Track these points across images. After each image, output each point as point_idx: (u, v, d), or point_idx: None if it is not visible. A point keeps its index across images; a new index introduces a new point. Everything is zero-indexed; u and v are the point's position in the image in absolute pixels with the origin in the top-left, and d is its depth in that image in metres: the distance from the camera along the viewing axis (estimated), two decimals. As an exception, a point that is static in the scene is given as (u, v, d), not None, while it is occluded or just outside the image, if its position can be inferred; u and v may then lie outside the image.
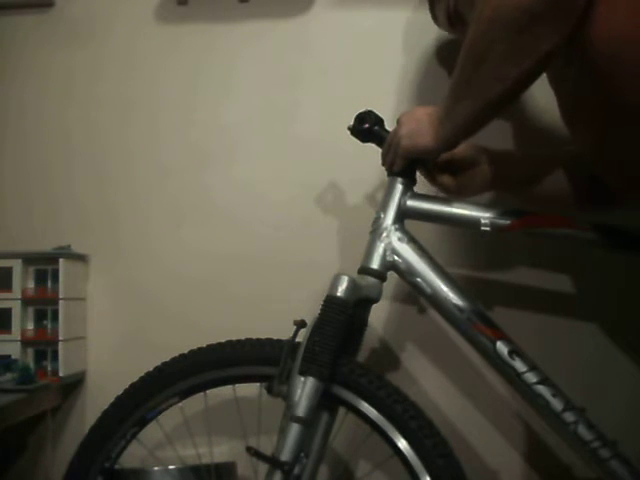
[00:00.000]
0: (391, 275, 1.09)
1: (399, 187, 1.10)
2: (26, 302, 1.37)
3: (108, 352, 1.45)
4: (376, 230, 1.09)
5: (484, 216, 1.07)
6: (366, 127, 1.12)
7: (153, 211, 1.47)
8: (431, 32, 1.44)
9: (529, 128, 1.37)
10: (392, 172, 1.11)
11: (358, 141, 1.15)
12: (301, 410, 0.96)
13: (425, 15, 1.42)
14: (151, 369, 1.12)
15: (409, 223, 1.10)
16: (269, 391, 1.02)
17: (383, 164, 1.12)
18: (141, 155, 1.48)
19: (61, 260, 1.36)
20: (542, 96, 1.19)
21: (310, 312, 1.03)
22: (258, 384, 1.10)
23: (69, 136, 1.50)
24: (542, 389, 1.03)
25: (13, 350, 1.34)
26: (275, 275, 1.42)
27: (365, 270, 1.07)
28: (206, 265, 1.44)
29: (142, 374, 1.12)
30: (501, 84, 0.88)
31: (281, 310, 1.21)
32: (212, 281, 1.44)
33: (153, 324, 1.44)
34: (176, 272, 1.45)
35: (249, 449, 0.97)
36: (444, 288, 1.06)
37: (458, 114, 0.95)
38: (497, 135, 1.36)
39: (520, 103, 1.36)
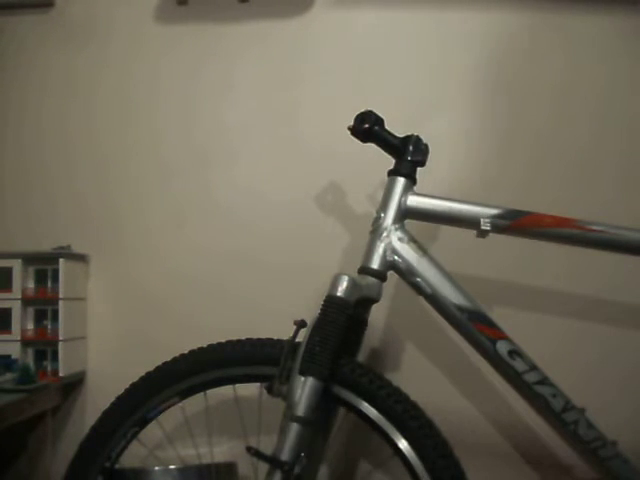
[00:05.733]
0: (391, 275, 1.09)
1: (399, 187, 1.10)
2: (26, 302, 1.37)
3: (108, 352, 1.45)
4: (376, 230, 1.09)
5: (484, 216, 1.07)
6: (366, 127, 1.12)
7: (153, 211, 1.47)
8: (431, 32, 1.44)
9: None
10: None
11: (358, 141, 1.15)
12: (301, 410, 0.96)
13: (425, 15, 1.43)
14: (151, 369, 1.12)
15: (409, 223, 1.10)
16: (269, 391, 1.02)
17: None
18: (141, 155, 1.48)
19: (61, 260, 1.36)
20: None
21: (310, 312, 1.03)
22: (258, 384, 1.10)
23: (69, 136, 1.50)
24: (542, 389, 1.03)
25: (13, 350, 1.34)
26: (275, 275, 1.42)
27: (365, 270, 1.07)
28: (206, 265, 1.44)
29: (142, 374, 1.12)
30: None
31: (281, 310, 1.21)
32: (212, 281, 1.44)
33: (153, 324, 1.44)
34: (176, 272, 1.45)
35: (249, 449, 0.97)
36: (444, 288, 1.06)
37: None
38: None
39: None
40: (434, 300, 1.07)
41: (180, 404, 1.13)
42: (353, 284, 1.01)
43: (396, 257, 1.07)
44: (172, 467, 1.28)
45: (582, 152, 1.39)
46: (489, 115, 1.41)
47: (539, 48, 1.41)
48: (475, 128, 1.41)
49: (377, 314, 1.21)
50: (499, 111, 1.41)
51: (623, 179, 1.37)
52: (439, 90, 1.43)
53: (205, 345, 1.12)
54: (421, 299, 1.09)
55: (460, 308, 1.05)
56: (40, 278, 1.39)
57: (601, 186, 1.37)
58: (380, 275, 1.07)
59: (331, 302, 1.00)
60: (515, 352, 1.04)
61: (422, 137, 1.13)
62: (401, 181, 1.11)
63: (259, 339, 1.11)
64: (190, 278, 1.44)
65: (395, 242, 1.07)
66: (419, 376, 1.36)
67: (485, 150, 1.41)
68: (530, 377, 1.03)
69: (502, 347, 1.04)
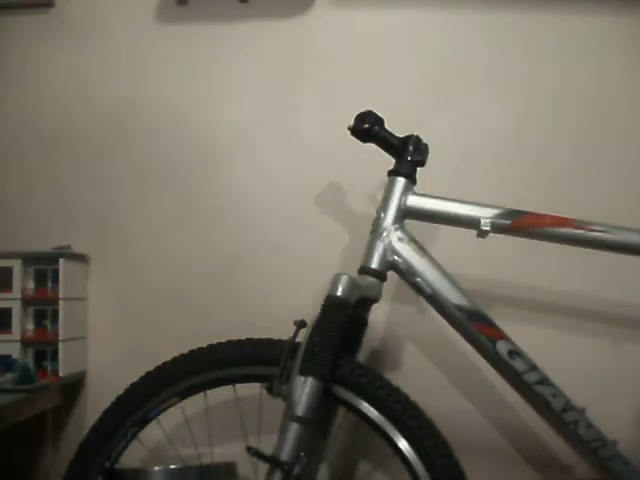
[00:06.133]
0: (391, 275, 1.09)
1: (399, 187, 1.10)
2: (26, 302, 1.37)
3: (108, 352, 1.45)
4: (376, 230, 1.09)
5: (484, 216, 1.07)
6: (366, 127, 1.12)
7: (153, 211, 1.47)
8: (431, 32, 1.44)
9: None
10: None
11: (358, 141, 1.15)
12: (301, 410, 0.96)
13: (425, 14, 1.43)
14: (151, 369, 1.12)
15: (409, 223, 1.11)
16: (269, 391, 1.02)
17: None
18: (141, 155, 1.48)
19: (61, 260, 1.36)
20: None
21: (310, 312, 1.03)
22: (258, 384, 1.10)
23: (69, 136, 1.50)
24: (542, 389, 1.03)
25: (13, 350, 1.34)
26: (275, 275, 1.42)
27: (365, 270, 1.07)
28: (206, 265, 1.44)
29: (142, 374, 1.12)
30: None
31: (281, 310, 1.21)
32: (212, 281, 1.43)
33: (153, 324, 1.44)
34: (176, 272, 1.45)
35: (249, 449, 0.97)
36: (444, 288, 1.06)
37: None
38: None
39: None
40: (434, 300, 1.07)
41: (180, 404, 1.13)
42: (353, 284, 1.01)
43: (396, 257, 1.07)
44: (172, 467, 1.28)
45: (578, 152, 1.39)
46: (488, 115, 1.41)
47: (536, 48, 1.41)
48: (475, 128, 1.41)
49: (377, 314, 1.21)
50: (501, 111, 1.41)
51: (622, 178, 1.38)
52: (439, 90, 1.43)
53: (205, 345, 1.12)
54: (421, 299, 1.09)
55: (460, 308, 1.05)
56: (40, 278, 1.39)
57: (600, 186, 1.38)
58: (380, 275, 1.07)
59: (331, 302, 1.00)
60: (515, 352, 1.04)
61: (422, 137, 1.14)
62: (401, 181, 1.11)
63: (259, 339, 1.11)
64: (190, 278, 1.44)
65: (395, 242, 1.08)
66: (419, 376, 1.36)
67: (483, 150, 1.41)
68: (530, 377, 1.03)
69: (502, 347, 1.04)
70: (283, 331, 1.05)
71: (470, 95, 1.42)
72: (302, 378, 0.98)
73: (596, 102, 1.39)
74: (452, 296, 1.06)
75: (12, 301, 1.36)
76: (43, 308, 1.38)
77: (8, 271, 1.36)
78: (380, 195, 1.13)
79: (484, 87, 1.42)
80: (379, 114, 1.14)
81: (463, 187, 1.29)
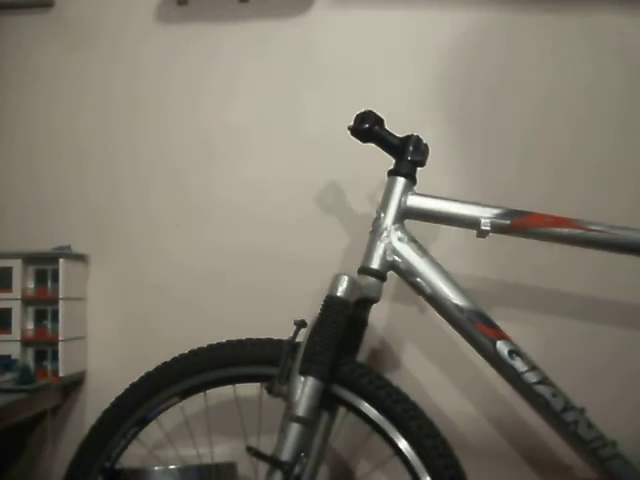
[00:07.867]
0: (391, 275, 1.09)
1: (399, 187, 1.10)
2: (26, 302, 1.37)
3: (108, 352, 1.45)
4: (376, 230, 1.09)
5: (484, 216, 1.07)
6: (366, 127, 1.12)
7: (154, 211, 1.47)
8: (430, 32, 1.44)
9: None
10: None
11: (358, 141, 1.15)
12: (301, 410, 0.96)
13: (424, 15, 1.43)
14: (151, 369, 1.12)
15: (409, 223, 1.10)
16: (269, 391, 1.02)
17: None
18: (142, 155, 1.48)
19: (61, 260, 1.36)
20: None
21: (310, 312, 1.03)
22: (258, 384, 1.10)
23: (69, 135, 1.50)
24: (542, 389, 1.03)
25: (13, 350, 1.34)
26: (275, 274, 1.42)
27: (365, 270, 1.07)
28: (207, 265, 1.44)
29: (142, 374, 1.12)
30: None
31: (281, 310, 1.21)
32: (212, 281, 1.43)
33: (153, 324, 1.44)
34: (176, 272, 1.45)
35: (249, 449, 0.97)
36: (444, 288, 1.06)
37: None
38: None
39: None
40: (434, 300, 1.07)
41: (180, 404, 1.13)
42: (353, 284, 1.01)
43: (396, 257, 1.07)
44: (172, 467, 1.28)
45: (565, 154, 1.39)
46: (489, 115, 1.42)
47: (528, 48, 1.42)
48: (475, 129, 1.41)
49: (377, 314, 1.21)
50: (504, 112, 1.41)
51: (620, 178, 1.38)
52: (439, 89, 1.43)
53: (205, 345, 1.12)
54: (421, 299, 1.09)
55: (460, 308, 1.05)
56: (40, 278, 1.39)
57: (598, 186, 1.38)
58: (380, 275, 1.07)
59: (331, 302, 1.00)
60: (515, 352, 1.04)
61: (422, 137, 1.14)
62: (401, 181, 1.11)
63: (259, 339, 1.11)
64: (190, 278, 1.44)
65: (395, 242, 1.08)
66: (419, 376, 1.36)
67: (480, 149, 1.41)
68: (530, 377, 1.03)
69: (502, 347, 1.04)
70: (283, 331, 1.05)
71: (471, 95, 1.42)
72: (302, 378, 0.97)
73: (593, 102, 1.40)
74: (452, 296, 1.06)
75: (12, 301, 1.36)
76: (43, 308, 1.38)
77: (8, 271, 1.36)
78: (380, 195, 1.13)
79: (485, 87, 1.42)
80: (379, 114, 1.14)
81: (465, 188, 1.29)
